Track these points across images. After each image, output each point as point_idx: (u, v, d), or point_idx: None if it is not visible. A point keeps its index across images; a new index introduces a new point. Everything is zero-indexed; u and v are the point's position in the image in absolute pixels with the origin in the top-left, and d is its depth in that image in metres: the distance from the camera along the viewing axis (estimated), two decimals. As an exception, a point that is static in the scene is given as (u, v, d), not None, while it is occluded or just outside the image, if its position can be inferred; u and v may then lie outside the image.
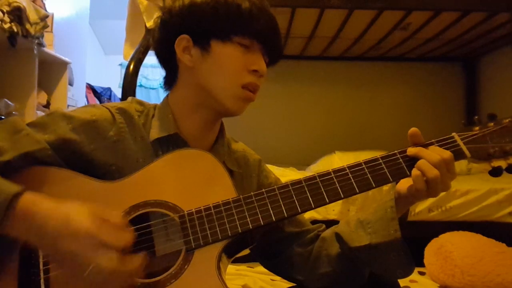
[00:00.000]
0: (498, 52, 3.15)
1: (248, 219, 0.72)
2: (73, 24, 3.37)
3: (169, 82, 0.88)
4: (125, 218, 0.67)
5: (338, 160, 2.71)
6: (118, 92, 4.52)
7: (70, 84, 3.10)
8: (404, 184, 0.75)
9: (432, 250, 1.96)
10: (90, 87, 4.17)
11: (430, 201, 2.16)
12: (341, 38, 2.86)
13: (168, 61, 0.86)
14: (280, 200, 0.74)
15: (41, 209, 0.63)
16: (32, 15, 2.29)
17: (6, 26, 2.09)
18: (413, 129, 0.76)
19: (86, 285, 0.61)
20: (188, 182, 0.76)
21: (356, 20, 2.45)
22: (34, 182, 0.72)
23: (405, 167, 0.74)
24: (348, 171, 0.74)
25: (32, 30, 2.29)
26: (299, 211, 0.73)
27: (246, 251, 0.80)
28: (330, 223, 0.95)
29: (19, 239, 0.65)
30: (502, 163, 0.74)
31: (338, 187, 0.73)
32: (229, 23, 0.79)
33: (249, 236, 0.76)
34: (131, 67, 2.05)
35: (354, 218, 0.83)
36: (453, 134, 0.76)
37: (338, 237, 0.83)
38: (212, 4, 0.79)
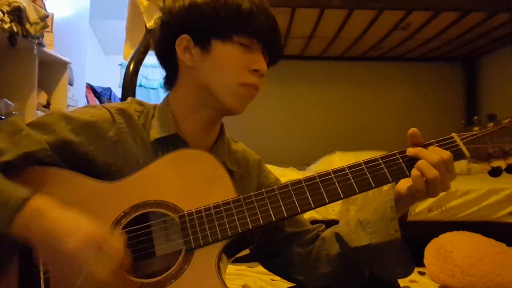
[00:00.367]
0: (498, 52, 3.15)
1: (248, 219, 0.73)
2: (73, 24, 3.37)
3: (170, 82, 0.88)
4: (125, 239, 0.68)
5: (338, 160, 2.71)
6: (118, 92, 4.52)
7: (70, 84, 3.10)
8: (403, 184, 0.75)
9: (432, 250, 1.97)
10: (90, 87, 4.17)
11: (430, 201, 2.16)
12: (341, 38, 2.86)
13: (168, 61, 0.86)
14: (280, 200, 0.74)
15: (50, 213, 0.65)
16: (32, 15, 2.29)
17: (6, 26, 2.09)
18: (413, 129, 0.76)
19: None
20: (188, 182, 0.76)
21: (356, 20, 2.45)
22: (34, 183, 0.73)
23: (405, 167, 0.74)
24: (347, 171, 0.74)
25: (32, 30, 2.29)
26: (299, 211, 0.74)
27: (246, 251, 0.80)
28: (330, 223, 0.95)
29: (23, 240, 0.66)
30: (502, 163, 0.74)
31: (338, 187, 0.74)
32: (229, 23, 0.79)
33: (249, 236, 0.76)
34: (131, 67, 2.05)
35: (354, 218, 0.83)
36: (453, 134, 0.76)
37: (338, 237, 0.83)
38: (212, 4, 0.79)
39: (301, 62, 3.48)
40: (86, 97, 3.85)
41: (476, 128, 0.76)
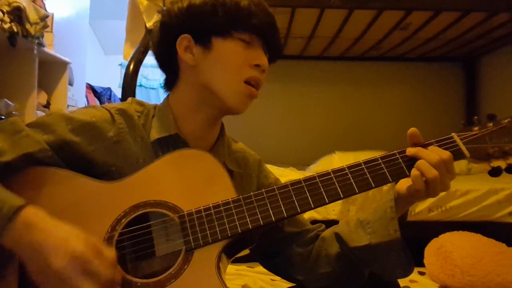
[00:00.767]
0: (498, 52, 3.15)
1: (248, 219, 0.73)
2: (73, 24, 3.37)
3: (170, 83, 0.88)
4: (117, 254, 0.66)
5: (338, 160, 2.71)
6: (118, 92, 4.52)
7: (70, 84, 3.10)
8: (403, 184, 0.75)
9: (432, 250, 1.97)
10: (90, 87, 4.17)
11: (430, 201, 2.16)
12: (341, 38, 2.86)
13: (168, 62, 0.86)
14: (280, 200, 0.74)
15: (42, 225, 0.63)
16: (32, 15, 2.29)
17: (6, 26, 2.09)
18: (412, 129, 0.76)
19: None
20: (188, 182, 0.76)
21: (356, 20, 2.45)
22: (34, 183, 0.73)
23: (405, 167, 0.74)
24: (347, 171, 0.74)
25: (32, 30, 2.29)
26: (299, 211, 0.73)
27: (246, 251, 0.80)
28: (330, 223, 0.95)
29: (13, 250, 0.64)
30: (502, 163, 0.74)
31: (338, 187, 0.74)
32: (229, 19, 0.80)
33: (249, 236, 0.76)
34: (131, 67, 2.05)
35: (354, 218, 0.83)
36: (453, 134, 0.76)
37: (338, 237, 0.83)
38: (210, 3, 0.80)
39: (301, 62, 3.48)
40: (86, 97, 3.85)
41: (476, 128, 0.75)
